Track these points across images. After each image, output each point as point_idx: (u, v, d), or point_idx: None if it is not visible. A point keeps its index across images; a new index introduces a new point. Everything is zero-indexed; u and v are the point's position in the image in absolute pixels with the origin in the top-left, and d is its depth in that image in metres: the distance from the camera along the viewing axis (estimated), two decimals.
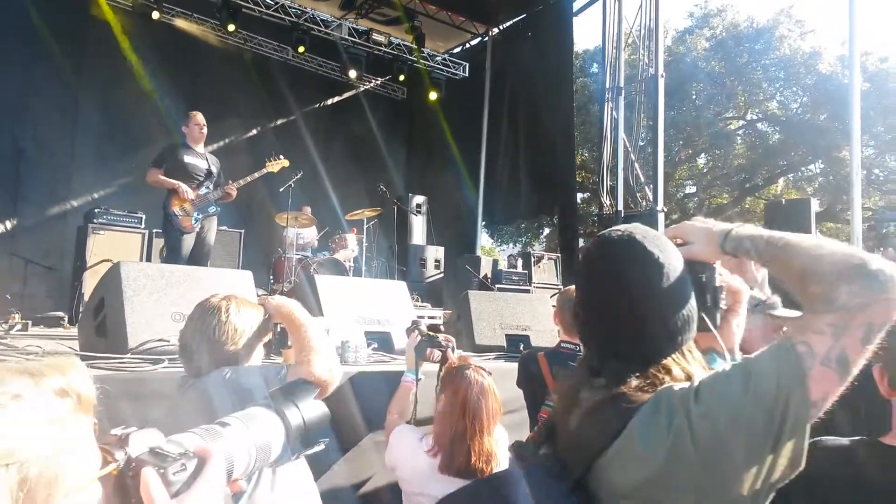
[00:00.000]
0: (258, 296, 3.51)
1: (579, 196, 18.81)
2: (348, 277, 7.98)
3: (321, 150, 12.10)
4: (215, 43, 11.94)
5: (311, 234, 9.72)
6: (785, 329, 1.12)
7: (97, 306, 3.40)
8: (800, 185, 21.89)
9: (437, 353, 2.55)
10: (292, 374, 1.92)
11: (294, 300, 2.16)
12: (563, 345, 2.99)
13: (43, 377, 0.79)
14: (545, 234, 24.71)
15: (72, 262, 7.50)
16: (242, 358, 1.97)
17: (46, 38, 9.26)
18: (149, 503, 0.83)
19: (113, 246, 7.08)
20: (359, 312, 4.41)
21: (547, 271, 10.50)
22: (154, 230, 7.43)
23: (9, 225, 9.35)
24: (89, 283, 6.26)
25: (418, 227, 11.51)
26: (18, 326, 4.89)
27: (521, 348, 4.60)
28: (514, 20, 12.75)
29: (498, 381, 2.50)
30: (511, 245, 25.35)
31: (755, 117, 22.08)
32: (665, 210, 10.43)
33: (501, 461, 2.35)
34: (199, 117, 6.29)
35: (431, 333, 2.62)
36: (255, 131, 12.18)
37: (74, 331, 5.03)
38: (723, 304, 1.28)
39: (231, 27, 10.81)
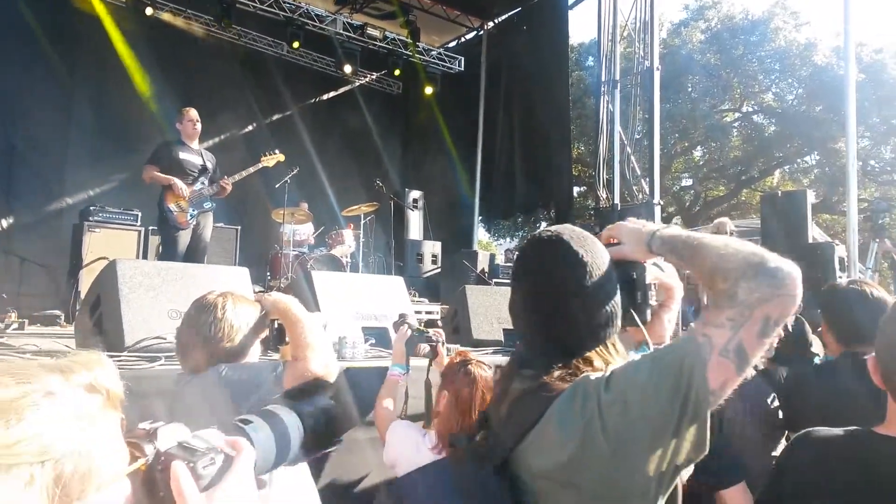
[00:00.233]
0: (255, 292, 3.51)
1: (576, 190, 18.81)
2: (345, 273, 7.98)
3: (317, 145, 12.07)
4: (209, 39, 11.89)
5: (307, 231, 9.71)
6: (692, 324, 1.18)
7: (93, 304, 3.39)
8: (796, 177, 21.91)
9: (427, 348, 2.55)
10: (289, 371, 1.92)
11: (291, 296, 2.16)
12: None
13: (72, 374, 0.80)
14: (542, 228, 24.70)
15: (68, 261, 7.48)
16: (239, 355, 1.97)
17: (39, 36, 9.22)
18: (178, 497, 0.83)
19: (109, 243, 7.07)
20: (356, 308, 4.42)
21: None
22: (150, 227, 7.42)
23: (4, 223, 9.33)
24: (85, 281, 6.26)
25: (415, 223, 11.52)
26: (15, 325, 4.89)
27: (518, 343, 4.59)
28: (509, 14, 12.72)
29: None
30: (508, 239, 25.36)
31: (751, 109, 22.08)
32: (661, 203, 10.44)
33: None
34: (193, 113, 6.28)
35: (421, 328, 2.62)
36: (250, 127, 12.14)
37: (71, 329, 5.04)
38: (653, 301, 1.36)
39: (225, 23, 10.75)
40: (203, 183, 6.21)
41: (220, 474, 0.89)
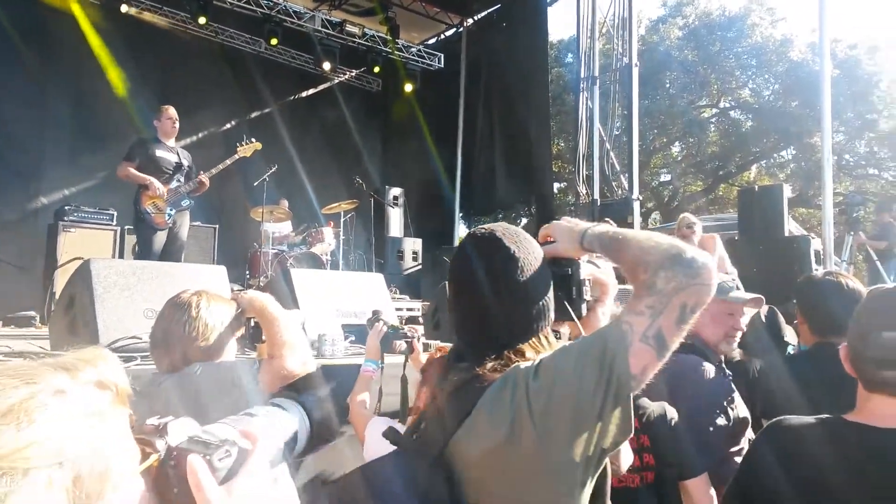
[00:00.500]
0: (232, 291, 3.48)
1: (556, 186, 18.88)
2: (325, 271, 7.95)
3: (296, 143, 11.98)
4: (185, 36, 11.76)
5: (287, 228, 9.65)
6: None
7: (67, 304, 3.35)
8: (772, 172, 22.18)
9: (403, 345, 2.54)
10: (265, 369, 1.90)
11: (267, 294, 2.14)
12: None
13: (78, 371, 0.77)
14: (522, 224, 24.78)
15: (43, 261, 7.38)
16: (214, 353, 1.95)
17: (12, 34, 9.04)
18: (198, 491, 0.81)
19: (84, 243, 6.99)
20: (335, 305, 4.40)
21: None
22: (126, 227, 7.34)
23: None
24: (61, 281, 6.17)
25: (395, 220, 11.50)
26: None
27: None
28: (489, 10, 12.71)
29: None
30: None
31: (728, 105, 22.30)
32: (640, 198, 10.51)
33: None
34: (172, 111, 6.23)
35: (396, 324, 2.61)
36: (228, 125, 12.01)
37: (46, 330, 4.96)
38: (588, 296, 1.41)
39: (202, 20, 10.62)
40: (179, 181, 6.16)
41: (237, 466, 0.87)
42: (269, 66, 12.84)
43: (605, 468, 1.26)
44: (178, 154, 6.22)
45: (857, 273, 10.82)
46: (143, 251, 5.99)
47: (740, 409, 2.35)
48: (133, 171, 5.94)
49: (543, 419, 1.14)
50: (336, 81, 13.87)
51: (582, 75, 10.16)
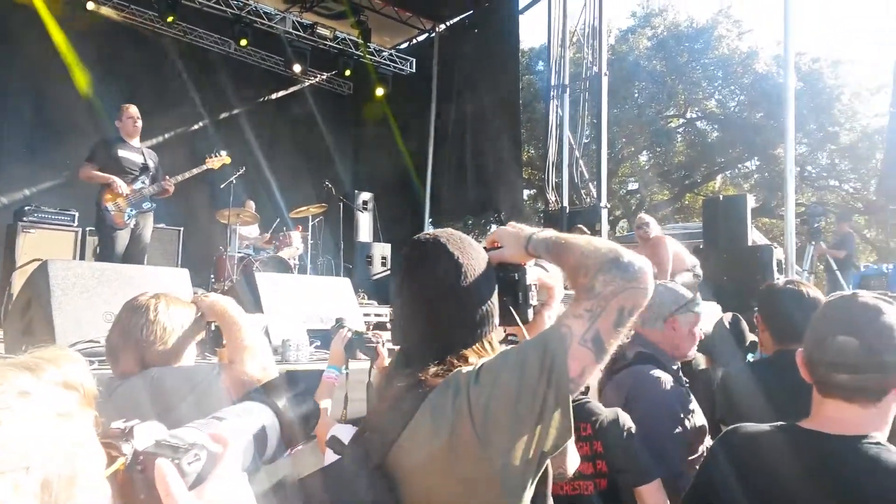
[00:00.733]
0: (194, 294, 3.42)
1: (525, 193, 18.99)
2: (291, 275, 7.87)
3: (265, 146, 11.87)
4: (153, 35, 11.57)
5: (254, 232, 9.53)
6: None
7: (24, 307, 3.27)
8: (737, 182, 22.61)
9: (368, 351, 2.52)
10: (226, 374, 1.87)
11: (228, 298, 2.11)
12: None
13: (42, 371, 0.73)
14: (492, 230, 24.87)
15: (0, 262, 7.19)
16: (172, 358, 1.91)
17: None
18: (166, 497, 0.78)
19: (44, 245, 6.84)
20: (301, 310, 4.35)
21: None
22: (88, 228, 7.19)
23: None
24: (18, 283, 5.99)
25: (365, 224, 11.43)
26: None
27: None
28: (461, 17, 12.78)
29: None
30: None
31: (695, 115, 22.69)
32: (608, 206, 10.63)
33: None
34: (133, 110, 6.11)
35: (360, 331, 2.59)
36: (195, 126, 11.85)
37: (1, 333, 4.82)
38: (535, 301, 1.42)
39: (170, 19, 10.46)
40: (144, 182, 6.04)
41: (207, 470, 0.85)
42: (238, 68, 12.72)
43: (545, 471, 1.27)
44: (143, 154, 6.10)
45: (818, 282, 11.07)
46: (105, 253, 5.85)
47: (697, 417, 2.38)
48: (95, 172, 5.81)
49: (484, 422, 1.15)
50: (307, 84, 13.79)
51: (552, 83, 10.26)
